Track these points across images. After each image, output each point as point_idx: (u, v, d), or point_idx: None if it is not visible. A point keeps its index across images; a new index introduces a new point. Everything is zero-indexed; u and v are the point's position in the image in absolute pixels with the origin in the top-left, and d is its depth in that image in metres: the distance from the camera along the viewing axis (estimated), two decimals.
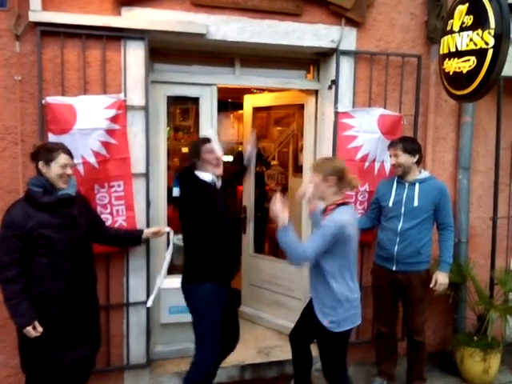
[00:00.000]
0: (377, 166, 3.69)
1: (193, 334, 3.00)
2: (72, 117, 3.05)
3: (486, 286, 4.05)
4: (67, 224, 2.61)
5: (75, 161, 3.01)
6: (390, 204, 3.35)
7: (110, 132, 3.17)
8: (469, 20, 3.21)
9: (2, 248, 2.48)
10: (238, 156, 3.87)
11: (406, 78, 3.83)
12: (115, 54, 3.23)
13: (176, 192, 3.62)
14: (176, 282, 3.32)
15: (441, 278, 3.34)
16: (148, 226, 3.39)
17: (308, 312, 2.97)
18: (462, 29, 3.26)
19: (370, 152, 3.67)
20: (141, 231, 3.14)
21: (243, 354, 3.89)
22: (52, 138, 3.01)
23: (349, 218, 2.70)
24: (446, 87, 3.50)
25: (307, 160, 4.10)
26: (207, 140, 2.99)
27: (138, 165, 3.33)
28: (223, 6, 3.37)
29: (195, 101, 3.77)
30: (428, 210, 3.32)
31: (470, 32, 3.19)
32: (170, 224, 3.71)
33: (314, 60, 3.95)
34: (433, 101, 3.87)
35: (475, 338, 3.83)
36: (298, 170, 4.34)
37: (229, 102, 6.82)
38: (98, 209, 3.19)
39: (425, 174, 3.43)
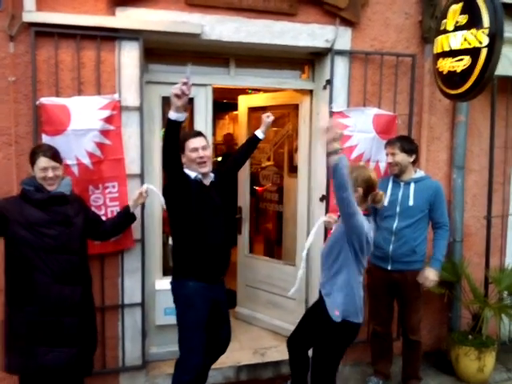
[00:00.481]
0: (372, 165, 3.69)
1: None
2: (66, 118, 3.03)
3: (481, 284, 4.07)
4: (60, 221, 2.62)
5: (69, 162, 3.02)
6: (386, 203, 3.35)
7: (104, 133, 3.15)
8: (463, 19, 3.23)
9: None
10: (226, 157, 3.81)
11: (401, 78, 3.84)
12: (109, 54, 3.22)
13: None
14: None
15: (431, 275, 3.32)
16: (143, 227, 3.38)
17: (311, 316, 2.96)
18: (456, 28, 3.27)
19: (365, 151, 3.67)
20: (127, 207, 3.10)
21: (239, 354, 3.89)
22: (46, 139, 2.99)
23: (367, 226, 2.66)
24: (440, 86, 3.52)
25: (302, 160, 4.10)
26: (194, 134, 2.92)
27: (132, 165, 3.32)
28: (218, 5, 3.36)
29: (190, 101, 3.75)
30: (423, 209, 3.33)
31: (464, 31, 3.21)
32: (164, 225, 3.71)
33: (308, 60, 3.95)
34: (427, 100, 3.88)
35: (470, 336, 3.85)
36: (293, 170, 4.34)
37: (225, 102, 6.81)
38: (93, 210, 3.18)
39: (420, 173, 3.44)
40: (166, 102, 3.64)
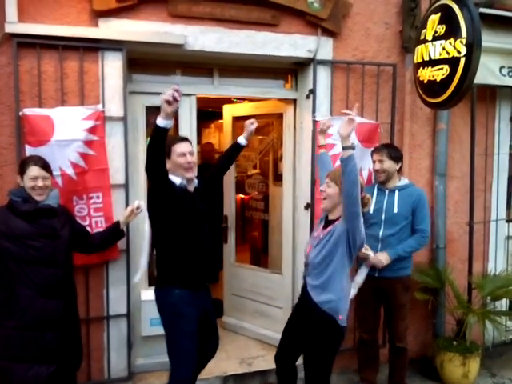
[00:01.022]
0: None
1: None
2: (49, 128, 3.02)
3: (464, 290, 4.11)
4: (46, 234, 2.60)
5: (53, 173, 2.99)
6: (371, 211, 3.38)
7: (88, 143, 3.15)
8: (441, 29, 3.30)
9: None
10: (204, 168, 3.77)
11: (382, 87, 3.90)
12: (93, 65, 3.23)
13: None
14: None
15: (383, 258, 3.28)
16: (128, 238, 3.37)
17: (295, 326, 2.92)
18: (435, 38, 3.34)
19: None
20: (117, 222, 3.10)
21: (225, 364, 3.88)
22: (29, 150, 2.98)
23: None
24: (421, 95, 3.58)
25: (287, 169, 4.13)
26: (181, 139, 2.89)
27: (117, 175, 3.32)
28: (200, 16, 3.39)
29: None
30: (407, 216, 3.37)
31: (442, 41, 3.28)
32: (151, 236, 3.68)
33: (291, 70, 4.00)
34: (408, 108, 3.94)
35: (455, 342, 3.88)
36: (278, 178, 4.36)
37: (209, 111, 6.83)
38: (79, 222, 3.15)
39: (404, 181, 3.48)
40: (150, 112, 3.66)
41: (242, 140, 3.39)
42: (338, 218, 2.73)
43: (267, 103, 4.26)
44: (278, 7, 3.53)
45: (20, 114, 3.01)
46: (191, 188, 2.93)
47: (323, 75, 3.74)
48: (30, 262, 2.54)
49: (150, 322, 3.62)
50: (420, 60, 3.50)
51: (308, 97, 3.80)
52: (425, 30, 3.45)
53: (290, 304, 4.15)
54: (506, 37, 3.99)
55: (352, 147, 2.50)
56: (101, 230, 3.23)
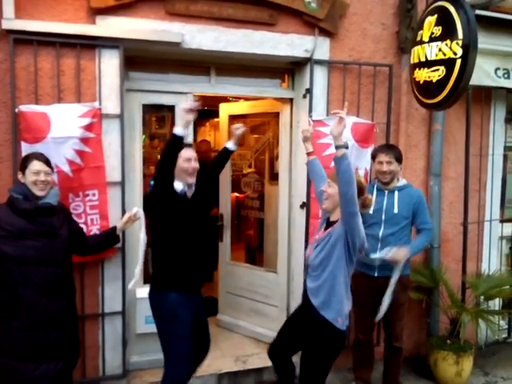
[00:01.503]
0: None
1: None
2: (46, 125, 3.02)
3: (458, 290, 4.14)
4: (45, 232, 2.59)
5: None
6: (371, 211, 3.37)
7: (84, 140, 3.14)
8: (438, 31, 3.31)
9: None
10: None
11: (378, 87, 3.91)
12: (90, 62, 3.22)
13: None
14: None
15: (403, 252, 3.24)
16: (124, 235, 3.36)
17: (294, 325, 2.93)
18: (432, 39, 3.35)
19: None
20: (114, 228, 3.11)
21: (220, 362, 3.88)
22: (25, 147, 2.97)
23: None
24: (417, 96, 3.59)
25: (283, 168, 4.14)
26: (187, 145, 2.93)
27: (113, 173, 3.32)
28: (198, 15, 3.39)
29: (171, 108, 3.77)
30: (407, 216, 3.38)
31: (438, 42, 3.29)
32: (147, 234, 3.69)
33: (288, 69, 4.00)
34: (404, 109, 3.96)
35: (448, 341, 3.91)
36: (274, 177, 4.37)
37: (205, 109, 6.81)
38: (76, 221, 3.15)
39: (403, 181, 3.49)
40: (147, 110, 3.67)
41: (230, 145, 3.39)
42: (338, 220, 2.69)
43: (264, 102, 4.27)
44: (275, 7, 3.54)
45: (16, 110, 3.01)
46: (190, 194, 2.97)
47: (320, 75, 3.75)
48: (29, 263, 2.53)
49: (145, 320, 3.61)
50: (416, 61, 3.52)
51: (305, 96, 3.81)
52: (421, 31, 3.46)
53: (284, 302, 4.16)
54: (502, 39, 4.02)
55: (345, 146, 2.48)
56: (97, 227, 3.25)
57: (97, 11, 3.17)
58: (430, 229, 3.46)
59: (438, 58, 3.31)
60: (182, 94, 3.69)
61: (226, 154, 3.42)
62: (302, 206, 3.89)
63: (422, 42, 3.45)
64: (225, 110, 4.64)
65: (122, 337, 3.46)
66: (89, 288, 3.34)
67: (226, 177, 4.49)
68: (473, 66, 3.17)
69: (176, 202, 2.81)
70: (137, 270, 3.02)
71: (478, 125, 4.29)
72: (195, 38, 3.41)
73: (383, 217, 3.39)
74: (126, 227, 3.14)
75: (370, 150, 3.76)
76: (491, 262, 4.44)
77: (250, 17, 3.50)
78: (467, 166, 4.22)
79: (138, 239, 3.55)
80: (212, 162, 3.50)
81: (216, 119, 7.21)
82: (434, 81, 3.36)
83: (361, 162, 3.73)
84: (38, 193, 2.60)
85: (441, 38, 3.28)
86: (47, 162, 2.67)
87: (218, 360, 3.91)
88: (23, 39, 3.04)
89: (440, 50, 3.28)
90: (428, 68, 3.40)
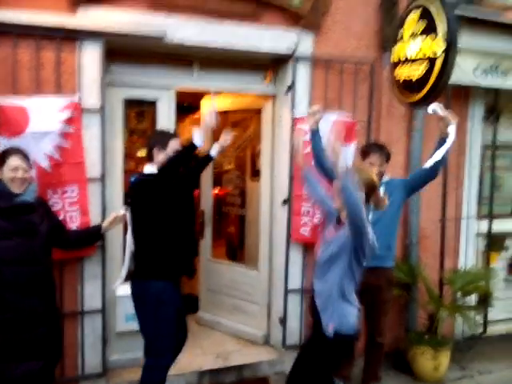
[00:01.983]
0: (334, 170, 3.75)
1: None
2: (24, 119, 2.94)
3: (436, 285, 4.21)
4: (23, 230, 2.51)
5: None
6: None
7: (64, 135, 3.08)
8: (419, 29, 3.34)
9: None
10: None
11: (360, 84, 3.94)
12: (70, 55, 3.15)
13: None
14: None
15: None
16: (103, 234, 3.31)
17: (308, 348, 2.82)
18: (413, 37, 3.38)
19: None
20: (99, 226, 3.07)
21: (201, 359, 3.87)
22: (3, 141, 2.89)
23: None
24: (397, 94, 3.64)
25: (265, 164, 4.13)
26: (175, 135, 2.99)
27: (93, 169, 3.26)
28: (181, 8, 3.35)
29: (152, 103, 3.72)
30: (395, 205, 3.36)
31: (419, 41, 3.32)
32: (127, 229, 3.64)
33: (271, 65, 3.99)
34: (385, 106, 4.00)
35: (426, 336, 3.97)
36: (256, 174, 4.36)
37: (184, 105, 6.75)
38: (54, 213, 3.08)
39: (387, 176, 3.50)
40: (127, 104, 3.62)
41: (213, 152, 3.46)
42: None
43: (246, 98, 4.25)
44: (259, 1, 3.52)
45: None
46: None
47: (302, 71, 3.75)
48: (8, 263, 2.46)
49: (125, 318, 3.58)
50: (397, 59, 3.55)
51: (287, 93, 3.81)
52: (402, 29, 3.50)
53: (266, 300, 4.16)
54: (481, 38, 4.07)
55: (346, 171, 2.35)
56: (76, 224, 3.19)
57: (78, 2, 3.10)
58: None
59: (418, 56, 3.34)
60: (164, 89, 3.65)
61: (207, 160, 3.51)
62: (283, 203, 3.89)
63: (403, 40, 3.48)
64: (207, 105, 4.59)
65: (102, 335, 3.41)
66: (68, 286, 3.28)
67: (207, 173, 4.46)
68: (453, 64, 3.20)
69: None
70: (123, 270, 3.02)
71: (456, 123, 4.34)
72: (178, 32, 3.37)
73: (372, 207, 3.37)
74: (111, 228, 3.09)
75: (351, 147, 3.79)
76: (468, 258, 4.54)
77: (234, 11, 3.48)
78: (445, 164, 4.28)
79: (118, 237, 3.55)
80: (194, 164, 3.52)
81: (195, 116, 7.14)
82: (414, 79, 3.39)
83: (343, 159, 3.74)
84: (16, 190, 2.52)
85: (422, 36, 3.31)
86: (26, 158, 2.59)
87: (199, 357, 3.89)
88: (2, 31, 2.95)
89: (421, 48, 3.32)
90: (408, 66, 3.44)
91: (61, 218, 3.12)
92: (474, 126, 4.51)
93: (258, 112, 4.22)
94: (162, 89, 3.63)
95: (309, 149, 3.56)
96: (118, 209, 3.51)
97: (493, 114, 4.62)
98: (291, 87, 3.73)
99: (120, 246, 3.62)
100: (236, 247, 4.84)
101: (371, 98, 3.95)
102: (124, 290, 3.51)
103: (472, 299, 4.46)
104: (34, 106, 2.98)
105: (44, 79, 3.11)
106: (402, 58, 3.49)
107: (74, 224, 3.18)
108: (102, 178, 3.30)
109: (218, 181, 4.77)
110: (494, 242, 4.80)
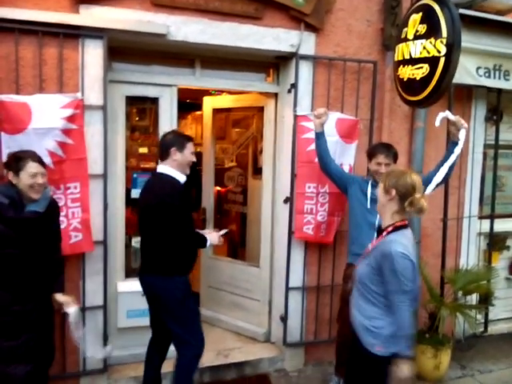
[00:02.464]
0: None
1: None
2: (27, 116, 2.95)
3: (437, 284, 4.21)
4: (28, 239, 2.49)
5: None
6: (368, 205, 3.35)
7: (66, 132, 3.09)
8: (422, 29, 3.33)
9: None
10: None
11: (363, 83, 3.93)
12: (73, 52, 3.16)
13: (135, 193, 3.57)
14: (134, 285, 3.29)
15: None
16: (105, 228, 3.34)
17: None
18: (416, 37, 3.37)
19: None
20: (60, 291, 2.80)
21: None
22: (5, 137, 2.91)
23: (406, 243, 2.30)
24: (400, 93, 3.62)
25: (267, 162, 4.14)
26: (191, 138, 3.03)
27: (95, 165, 3.27)
28: (184, 6, 3.35)
29: (154, 100, 3.73)
30: None
31: (423, 40, 3.31)
32: (127, 226, 3.67)
33: (273, 63, 3.99)
34: (387, 106, 3.99)
35: (427, 335, 3.97)
36: (258, 172, 4.36)
37: (187, 102, 6.76)
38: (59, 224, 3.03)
39: None
40: (129, 101, 3.63)
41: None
42: (390, 226, 2.36)
43: (248, 96, 4.25)
44: (261, 0, 3.52)
45: None
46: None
47: (305, 70, 3.75)
48: (8, 270, 2.45)
49: (127, 314, 3.60)
50: (400, 58, 3.54)
51: (289, 91, 3.81)
52: (406, 29, 3.48)
53: (267, 297, 4.18)
54: (484, 38, 4.06)
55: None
56: (77, 220, 3.20)
57: (80, 0, 3.11)
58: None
59: (422, 55, 3.33)
60: (166, 87, 3.66)
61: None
62: (285, 201, 3.90)
63: (406, 40, 3.46)
64: (209, 103, 4.61)
65: (103, 331, 3.42)
66: (70, 282, 3.27)
67: (208, 171, 4.47)
68: (456, 64, 3.20)
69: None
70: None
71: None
72: (180, 30, 3.37)
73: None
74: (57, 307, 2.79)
75: (354, 145, 3.80)
76: (469, 258, 4.53)
77: (236, 10, 3.48)
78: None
79: (119, 234, 3.56)
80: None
81: (198, 112, 7.16)
82: (418, 78, 3.38)
83: (345, 157, 3.75)
84: (34, 196, 2.48)
85: (425, 36, 3.29)
86: (42, 162, 2.56)
87: None
88: (4, 27, 2.96)
89: (424, 47, 3.30)
90: (412, 65, 3.42)
91: (63, 213, 3.12)
92: (477, 125, 4.50)
93: (260, 110, 4.22)
94: (163, 86, 3.64)
95: (313, 146, 3.58)
96: (119, 206, 3.56)
97: (495, 114, 4.61)
98: (294, 86, 3.73)
99: (121, 243, 3.65)
100: (237, 244, 4.85)
101: (373, 97, 3.95)
102: (125, 286, 3.55)
103: (473, 298, 4.47)
104: (36, 103, 2.99)
105: (47, 76, 3.12)
106: (406, 57, 3.48)
107: (75, 220, 3.20)
108: (104, 175, 3.31)
109: (219, 178, 4.78)
110: (495, 242, 4.80)
